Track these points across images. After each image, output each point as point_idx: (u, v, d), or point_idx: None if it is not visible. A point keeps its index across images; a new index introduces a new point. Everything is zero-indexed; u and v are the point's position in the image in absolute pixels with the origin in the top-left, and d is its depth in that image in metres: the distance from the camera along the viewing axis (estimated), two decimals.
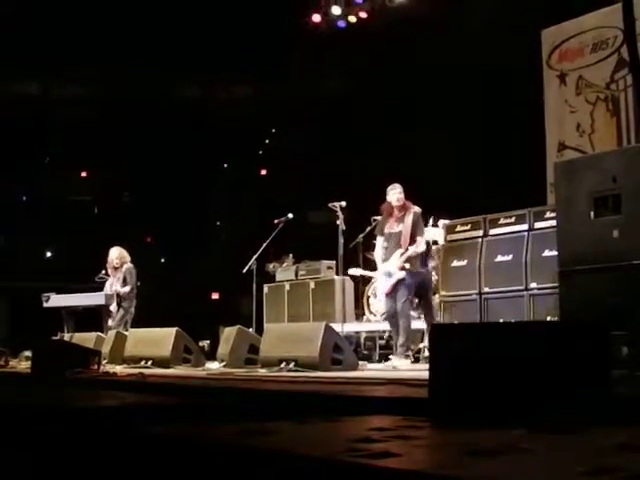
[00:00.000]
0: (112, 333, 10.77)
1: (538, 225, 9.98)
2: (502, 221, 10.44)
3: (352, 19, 14.67)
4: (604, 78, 11.63)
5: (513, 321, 8.96)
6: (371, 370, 8.35)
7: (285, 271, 13.38)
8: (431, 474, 2.13)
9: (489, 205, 10.77)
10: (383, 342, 11.42)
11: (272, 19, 15.05)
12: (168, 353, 9.50)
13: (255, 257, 11.19)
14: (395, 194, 9.01)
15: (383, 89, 14.16)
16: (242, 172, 19.13)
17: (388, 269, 8.92)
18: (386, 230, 9.11)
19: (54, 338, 11.17)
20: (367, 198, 10.25)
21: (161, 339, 9.73)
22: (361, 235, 11.30)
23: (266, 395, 5.15)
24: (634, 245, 5.59)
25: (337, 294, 11.77)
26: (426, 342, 9.17)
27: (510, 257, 10.16)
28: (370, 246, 10.60)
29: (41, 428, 3.72)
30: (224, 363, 9.06)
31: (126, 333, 10.66)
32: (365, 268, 11.25)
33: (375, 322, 11.55)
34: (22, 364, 10.70)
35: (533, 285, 9.85)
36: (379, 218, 9.50)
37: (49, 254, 19.88)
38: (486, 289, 10.32)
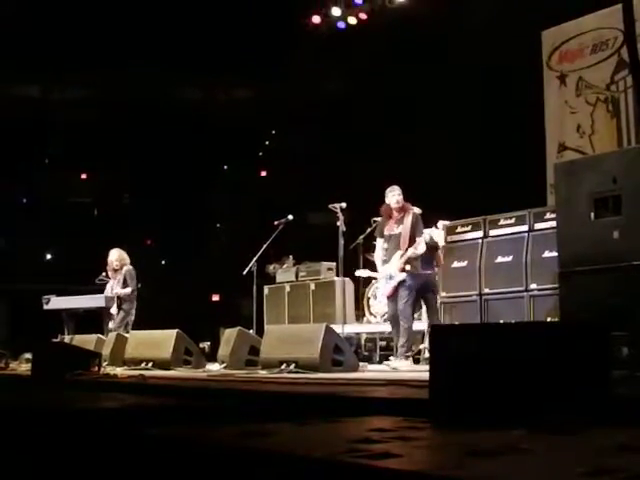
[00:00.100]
0: (112, 335, 10.76)
1: (538, 226, 9.98)
2: (502, 222, 10.45)
3: (352, 20, 14.68)
4: (604, 79, 11.64)
5: (513, 322, 8.97)
6: (371, 371, 8.36)
7: (285, 272, 13.38)
8: (431, 475, 2.13)
9: (489, 206, 10.78)
10: (383, 343, 11.43)
11: (272, 20, 15.04)
12: (169, 355, 9.50)
13: (255, 258, 11.19)
14: (394, 196, 9.01)
15: (383, 90, 14.16)
16: (242, 174, 19.12)
17: (389, 271, 8.92)
18: (386, 232, 9.11)
19: (54, 340, 11.17)
20: (367, 199, 10.24)
21: (162, 341, 9.74)
22: (361, 236, 11.30)
23: (266, 396, 5.15)
24: (634, 246, 5.59)
25: (337, 295, 11.78)
26: (426, 343, 9.17)
27: (510, 258, 10.17)
28: (370, 247, 10.61)
29: (41, 430, 3.72)
30: (225, 365, 9.06)
31: (126, 335, 10.66)
32: (366, 269, 11.27)
33: (375, 323, 11.56)
34: (22, 366, 10.68)
35: (533, 286, 9.85)
36: (379, 219, 9.50)
37: (49, 256, 19.88)
38: (486, 290, 10.33)
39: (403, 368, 8.34)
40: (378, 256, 9.24)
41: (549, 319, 8.94)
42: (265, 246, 11.33)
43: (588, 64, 11.89)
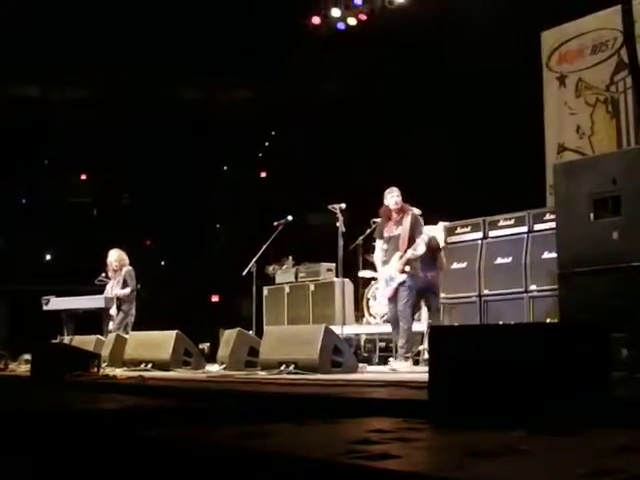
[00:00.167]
0: (112, 336, 10.76)
1: (538, 227, 9.99)
2: (502, 223, 10.46)
3: (352, 21, 14.67)
4: (604, 80, 11.64)
5: (513, 323, 8.97)
6: (371, 372, 8.35)
7: (285, 273, 13.38)
8: (431, 476, 2.13)
9: (489, 207, 10.78)
10: (383, 344, 11.43)
11: (272, 21, 15.04)
12: (168, 356, 9.50)
13: (255, 259, 11.19)
14: (393, 197, 9.01)
15: (382, 91, 14.16)
16: (242, 174, 19.13)
17: (389, 273, 8.91)
18: (385, 233, 9.11)
19: (54, 341, 11.16)
20: (367, 200, 10.24)
21: (161, 342, 9.73)
22: (361, 237, 11.29)
23: (266, 397, 5.15)
24: (634, 247, 5.59)
25: (337, 296, 11.77)
26: (426, 344, 9.16)
27: (510, 259, 10.17)
28: (370, 248, 10.60)
29: (41, 431, 3.72)
30: (224, 366, 9.06)
31: (126, 336, 10.65)
32: (369, 270, 11.28)
33: (375, 324, 11.55)
34: (22, 367, 10.68)
35: (533, 287, 9.85)
36: (379, 220, 9.50)
37: (49, 257, 19.87)
38: (486, 291, 10.33)
39: (403, 369, 8.34)
40: (378, 257, 9.24)
41: (549, 320, 8.94)
42: (265, 247, 11.33)
43: (588, 65, 11.89)
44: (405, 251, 8.80)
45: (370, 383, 6.07)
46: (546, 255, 9.63)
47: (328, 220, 10.71)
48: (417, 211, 9.19)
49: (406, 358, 8.66)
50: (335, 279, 12.04)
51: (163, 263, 20.19)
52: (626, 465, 2.20)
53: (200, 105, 18.65)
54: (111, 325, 11.46)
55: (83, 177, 19.98)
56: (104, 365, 9.18)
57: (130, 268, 11.63)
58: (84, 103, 18.34)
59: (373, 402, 4.40)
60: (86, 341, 10.52)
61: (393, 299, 8.87)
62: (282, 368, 7.85)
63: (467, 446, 2.60)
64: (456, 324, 9.82)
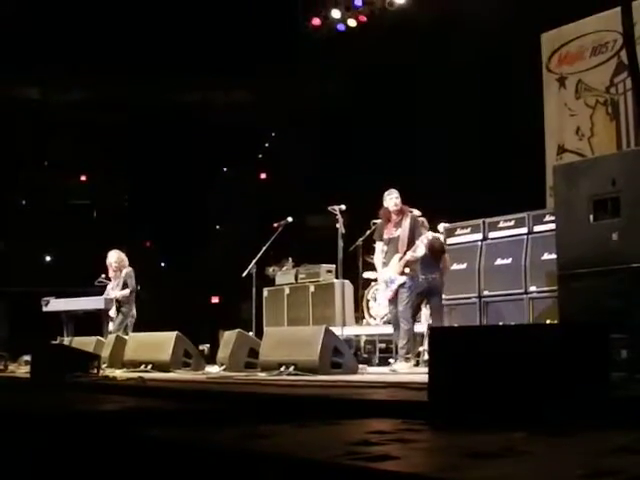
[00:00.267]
0: (112, 337, 10.75)
1: (537, 228, 10.00)
2: (501, 224, 10.47)
3: (352, 23, 14.67)
4: (604, 82, 11.65)
5: (513, 324, 8.97)
6: (371, 374, 8.35)
7: (285, 275, 13.38)
8: (430, 477, 2.13)
9: (488, 208, 10.79)
10: (383, 345, 11.43)
11: (272, 22, 15.05)
12: (168, 357, 9.49)
13: (255, 261, 11.19)
14: (392, 199, 9.00)
15: (382, 93, 14.16)
16: (241, 176, 19.14)
17: (388, 275, 8.91)
18: (385, 235, 9.11)
19: (53, 342, 11.15)
20: (367, 202, 10.24)
21: (161, 343, 9.73)
22: (361, 239, 11.29)
23: (266, 399, 5.15)
24: (633, 248, 5.59)
25: (337, 298, 11.77)
26: (426, 345, 9.16)
27: (510, 260, 10.18)
28: (370, 249, 10.60)
29: (40, 432, 3.72)
30: (224, 367, 9.06)
31: (126, 337, 10.65)
32: (365, 272, 11.28)
33: (375, 325, 11.55)
34: (21, 368, 10.68)
35: (533, 288, 9.87)
36: (378, 222, 9.50)
37: (48, 258, 19.87)
38: (486, 292, 10.34)
39: (402, 370, 8.34)
40: (378, 259, 9.23)
41: (548, 321, 8.94)
42: (265, 248, 11.32)
43: (588, 67, 11.90)
44: (404, 253, 8.79)
45: (370, 384, 6.07)
46: (546, 256, 9.64)
47: (328, 221, 10.71)
48: (417, 212, 9.19)
49: (406, 359, 8.66)
50: (335, 280, 12.03)
51: (163, 264, 20.19)
52: (626, 466, 2.20)
53: (200, 106, 18.65)
54: (111, 326, 11.45)
55: (83, 178, 19.98)
56: (104, 366, 9.17)
57: (130, 269, 11.61)
58: (84, 105, 18.33)
59: (373, 403, 4.40)
60: (86, 342, 10.52)
61: (393, 301, 8.87)
62: (282, 369, 7.84)
63: (467, 447, 2.60)
64: (456, 325, 9.82)
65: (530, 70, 12.18)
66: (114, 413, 4.67)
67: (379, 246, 9.23)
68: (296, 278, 13.08)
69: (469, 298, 10.51)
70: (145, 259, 16.49)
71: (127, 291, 11.40)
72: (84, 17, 15.50)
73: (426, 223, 9.43)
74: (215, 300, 19.29)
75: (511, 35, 11.53)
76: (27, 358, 10.59)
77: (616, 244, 5.73)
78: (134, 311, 11.49)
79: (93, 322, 11.90)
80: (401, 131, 13.53)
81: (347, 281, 11.75)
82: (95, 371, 8.11)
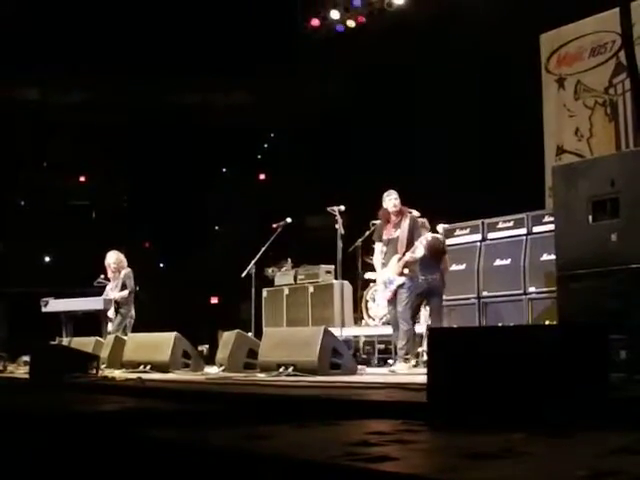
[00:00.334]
0: (111, 338, 10.74)
1: (536, 229, 10.01)
2: (500, 225, 10.47)
3: (351, 24, 14.67)
4: (602, 82, 11.65)
5: (512, 325, 8.97)
6: (370, 374, 8.35)
7: (284, 275, 13.37)
8: (429, 478, 2.13)
9: (487, 209, 10.79)
10: (382, 346, 11.42)
11: (271, 23, 15.05)
12: (167, 358, 9.49)
13: (254, 261, 11.18)
14: (391, 200, 9.00)
15: (382, 93, 14.17)
16: (241, 177, 19.14)
17: (387, 276, 8.91)
18: (384, 236, 9.10)
19: (53, 343, 11.15)
20: (366, 202, 10.24)
21: (160, 344, 9.72)
22: (360, 239, 11.29)
23: (265, 399, 5.14)
24: (632, 249, 5.59)
25: (336, 298, 11.77)
26: (425, 346, 9.15)
27: (509, 261, 10.18)
28: (369, 250, 10.60)
29: (39, 433, 3.72)
30: (223, 368, 9.06)
31: (125, 338, 10.64)
32: (364, 272, 11.27)
33: (374, 326, 11.55)
34: (20, 369, 10.68)
35: (532, 289, 9.87)
36: (378, 222, 9.49)
37: (48, 259, 19.87)
38: (485, 293, 10.35)
39: (402, 371, 8.34)
40: (377, 260, 9.22)
41: (547, 322, 8.94)
42: (264, 249, 11.32)
43: (586, 67, 11.91)
44: (404, 254, 8.79)
45: (369, 385, 6.06)
46: (545, 257, 9.64)
47: (327, 222, 10.71)
48: (416, 213, 9.18)
49: (406, 360, 8.65)
50: (334, 281, 12.03)
51: (162, 265, 20.19)
52: (626, 466, 2.20)
53: (199, 107, 18.65)
54: (110, 327, 11.44)
55: (82, 179, 19.99)
56: (103, 367, 9.17)
57: (129, 270, 11.59)
58: (83, 105, 18.33)
59: (372, 404, 4.40)
60: (85, 343, 10.52)
61: (392, 301, 8.87)
62: (281, 370, 7.84)
63: (466, 448, 2.60)
64: (455, 326, 9.81)
65: (529, 71, 12.18)
66: (113, 414, 4.66)
67: (378, 247, 9.23)
68: (295, 279, 13.08)
69: (468, 299, 10.51)
70: (144, 260, 16.49)
71: (126, 292, 11.39)
72: (83, 18, 15.50)
73: (427, 224, 9.42)
74: (214, 301, 19.29)
75: (510, 36, 11.53)
76: (26, 358, 10.59)
77: (615, 245, 5.73)
78: (133, 312, 11.48)
79: (92, 323, 11.90)
80: (400, 132, 13.54)
81: (346, 282, 11.74)
82: (94, 372, 8.11)
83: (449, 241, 10.62)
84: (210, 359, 11.30)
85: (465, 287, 10.46)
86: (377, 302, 9.70)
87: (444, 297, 10.03)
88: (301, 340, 8.18)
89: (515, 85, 11.83)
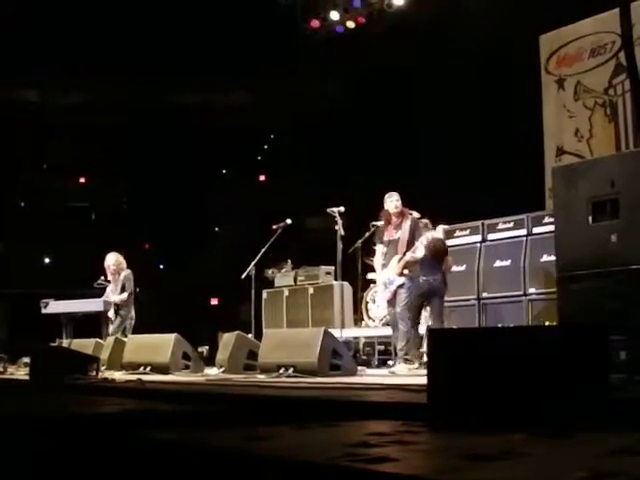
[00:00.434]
0: (111, 339, 10.74)
1: (536, 230, 10.01)
2: (500, 226, 10.47)
3: (350, 25, 14.66)
4: (602, 83, 11.65)
5: (512, 326, 8.97)
6: (370, 375, 8.35)
7: (284, 277, 13.38)
8: (429, 479, 2.13)
9: (487, 210, 10.79)
10: (382, 347, 11.42)
11: (271, 24, 15.05)
12: (167, 359, 9.48)
13: (254, 263, 11.18)
14: (392, 202, 9.00)
15: (382, 94, 14.17)
16: (241, 178, 19.15)
17: (387, 276, 8.91)
18: (385, 237, 9.11)
19: (52, 344, 11.15)
20: (366, 203, 10.24)
21: (160, 345, 9.72)
22: (360, 240, 11.29)
23: (265, 401, 5.14)
24: (632, 250, 5.59)
25: (336, 299, 11.76)
26: (425, 347, 9.14)
27: (509, 262, 10.19)
28: (369, 251, 10.60)
29: (40, 435, 3.71)
30: (223, 369, 9.05)
31: (125, 339, 10.64)
32: (364, 274, 11.26)
33: (374, 328, 11.55)
34: (20, 370, 10.68)
35: (532, 290, 9.87)
36: (378, 223, 9.49)
37: (48, 260, 19.87)
38: (485, 294, 10.35)
39: (401, 372, 8.33)
40: (378, 262, 9.21)
41: (547, 323, 8.94)
42: (263, 250, 11.32)
43: (586, 68, 11.91)
44: (404, 254, 8.79)
45: (369, 386, 6.06)
46: (545, 258, 9.64)
47: (327, 223, 10.71)
48: (416, 214, 9.18)
49: (406, 361, 8.64)
50: (334, 282, 12.03)
51: (162, 266, 20.19)
52: (626, 467, 2.20)
53: (199, 109, 18.66)
54: (111, 328, 11.43)
55: (82, 181, 19.99)
56: (103, 368, 9.16)
57: (128, 272, 11.57)
58: (83, 107, 18.33)
59: (372, 405, 4.40)
60: (85, 344, 10.51)
61: (392, 302, 8.87)
62: (281, 371, 7.84)
63: (466, 449, 2.60)
64: (455, 327, 9.81)
65: (529, 72, 12.18)
66: (113, 415, 4.66)
67: (379, 248, 9.22)
68: (295, 280, 13.08)
69: (468, 300, 10.51)
70: (144, 261, 16.49)
71: (125, 295, 11.37)
72: (83, 19, 15.49)
73: (430, 225, 9.41)
74: (214, 302, 19.30)
75: (510, 37, 11.54)
76: (26, 360, 10.60)
77: (615, 246, 5.72)
78: (133, 313, 11.47)
79: (92, 324, 11.89)
80: (400, 133, 13.54)
81: (346, 283, 11.74)
82: (94, 373, 8.10)
83: (449, 242, 10.60)
84: (210, 360, 11.30)
85: (465, 288, 10.46)
86: (377, 303, 9.70)
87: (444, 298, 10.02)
88: (301, 341, 8.18)
89: (515, 86, 11.83)
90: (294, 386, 6.36)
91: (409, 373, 8.22)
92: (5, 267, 17.11)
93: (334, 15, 14.72)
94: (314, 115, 15.91)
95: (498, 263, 10.33)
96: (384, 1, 13.84)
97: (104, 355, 10.14)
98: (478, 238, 10.68)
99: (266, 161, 19.48)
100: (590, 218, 5.94)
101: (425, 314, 9.82)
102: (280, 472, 2.46)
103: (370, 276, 10.88)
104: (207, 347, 14.69)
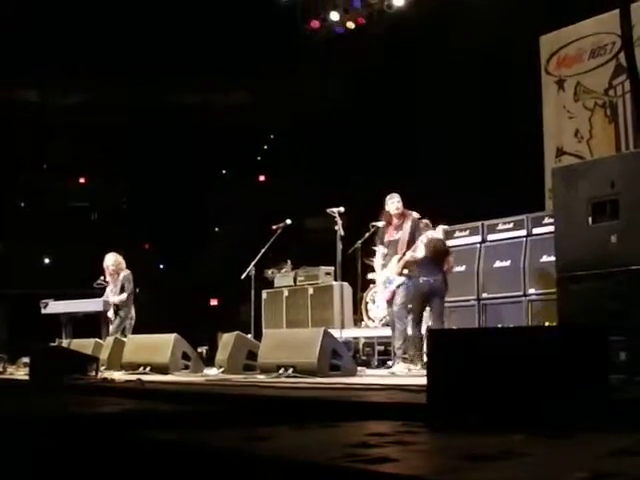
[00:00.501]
0: (110, 339, 10.74)
1: (536, 231, 10.00)
2: (500, 227, 10.47)
3: (350, 25, 14.66)
4: (602, 84, 11.65)
5: (511, 326, 8.97)
6: (369, 376, 8.34)
7: (283, 277, 13.37)
8: (429, 479, 2.13)
9: (487, 211, 10.79)
10: (382, 348, 11.41)
11: (271, 25, 15.05)
12: (167, 359, 9.48)
13: (254, 263, 11.18)
14: (394, 203, 9.01)
15: (382, 95, 14.16)
16: (240, 178, 19.15)
17: (387, 275, 8.91)
18: (386, 238, 9.11)
19: (52, 344, 11.15)
20: (366, 204, 10.23)
21: (160, 345, 9.72)
22: (359, 241, 11.29)
23: (264, 401, 5.14)
24: (632, 250, 5.58)
25: (335, 300, 11.76)
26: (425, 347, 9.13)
27: (508, 263, 10.18)
28: (369, 252, 10.59)
29: (39, 435, 3.71)
30: (222, 369, 9.05)
31: (124, 339, 10.63)
32: (364, 274, 11.26)
33: (373, 328, 11.55)
34: (20, 370, 10.68)
35: (531, 291, 9.87)
36: (377, 224, 9.49)
37: (47, 260, 19.87)
38: (484, 295, 10.34)
39: (400, 372, 8.34)
40: (378, 263, 9.21)
41: (547, 324, 8.94)
42: (263, 250, 11.32)
43: (586, 69, 11.90)
44: (404, 254, 8.79)
45: (369, 386, 6.06)
46: (545, 259, 9.64)
47: (327, 224, 10.71)
48: (416, 215, 9.18)
49: (404, 359, 8.65)
50: (334, 283, 12.02)
51: (162, 266, 20.19)
52: (625, 468, 2.20)
53: (199, 108, 18.66)
54: (111, 328, 11.42)
55: (82, 181, 19.99)
56: (102, 368, 9.16)
57: (128, 272, 11.54)
58: (82, 107, 18.33)
59: (372, 405, 4.40)
60: (84, 344, 10.51)
61: (391, 302, 8.87)
62: (281, 371, 7.84)
63: (466, 449, 2.60)
64: (455, 327, 9.80)
65: (529, 72, 12.18)
66: (113, 415, 4.66)
67: (380, 249, 9.22)
68: (295, 280, 13.08)
69: (468, 300, 10.50)
70: (144, 261, 16.49)
71: (124, 295, 11.35)
72: (82, 19, 15.49)
73: (430, 226, 9.40)
74: (214, 302, 19.29)
75: (510, 37, 11.54)
76: (26, 360, 10.59)
77: (615, 246, 5.72)
78: (133, 313, 11.46)
79: (92, 324, 11.89)
80: (400, 133, 13.53)
81: (346, 283, 11.74)
82: (93, 373, 8.10)
83: (449, 243, 10.60)
84: (210, 361, 11.30)
85: (465, 289, 10.45)
86: (377, 304, 9.70)
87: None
88: (301, 342, 8.18)
89: (515, 87, 11.82)
90: (294, 386, 6.36)
91: (409, 373, 8.23)
92: (5, 267, 17.11)
93: (334, 16, 14.72)
94: (314, 115, 15.91)
95: (498, 264, 10.33)
96: (384, 2, 13.84)
97: (104, 355, 10.14)
98: (478, 239, 10.67)
99: (266, 161, 19.48)
100: (590, 219, 5.94)
101: (425, 314, 9.82)
102: (280, 472, 2.45)
103: (371, 276, 10.88)
104: (207, 347, 14.68)
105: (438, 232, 9.23)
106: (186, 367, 9.64)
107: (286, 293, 13.11)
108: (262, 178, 19.65)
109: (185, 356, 9.74)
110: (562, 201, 6.25)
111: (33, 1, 15.37)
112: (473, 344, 3.62)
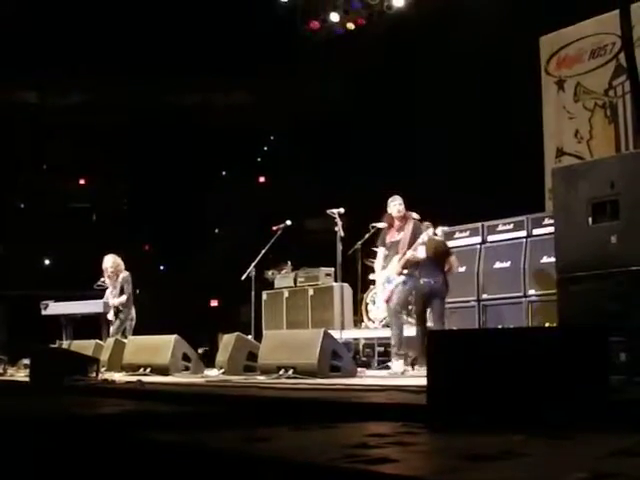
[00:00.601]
0: (111, 340, 10.74)
1: (536, 232, 10.00)
2: (500, 228, 10.47)
3: (350, 26, 14.66)
4: (602, 85, 11.65)
5: (511, 327, 8.97)
6: (369, 377, 8.34)
7: (284, 278, 13.37)
8: None
9: (487, 211, 10.79)
10: (382, 349, 11.41)
11: (271, 25, 15.06)
12: (167, 360, 9.48)
13: (254, 264, 11.18)
14: (395, 205, 9.01)
15: (381, 96, 14.17)
16: (240, 179, 19.15)
17: (386, 275, 8.91)
18: (387, 240, 9.12)
19: (52, 346, 11.14)
20: (366, 205, 10.23)
21: (160, 346, 9.72)
22: (359, 242, 11.29)
23: (265, 402, 5.14)
24: (632, 251, 5.58)
25: (336, 301, 11.76)
26: None
27: (508, 264, 10.18)
28: (369, 253, 10.59)
29: (40, 436, 3.71)
30: (223, 370, 9.05)
31: (125, 340, 10.63)
32: (364, 275, 11.25)
33: (374, 329, 11.54)
34: (20, 372, 10.68)
35: (531, 291, 9.87)
36: (378, 225, 9.49)
37: (47, 261, 19.87)
38: (484, 295, 10.34)
39: (398, 369, 8.37)
40: (379, 264, 9.22)
41: (547, 325, 8.94)
42: (263, 252, 11.32)
43: (586, 69, 11.90)
44: (404, 254, 8.79)
45: (369, 387, 6.06)
46: (545, 259, 9.64)
47: (327, 225, 10.70)
48: (416, 216, 9.18)
49: (399, 356, 8.66)
50: (334, 284, 12.02)
51: (162, 268, 20.19)
52: (625, 469, 2.20)
53: (199, 109, 18.66)
54: (111, 329, 11.42)
55: (82, 182, 19.99)
56: (103, 370, 9.15)
57: (127, 274, 11.50)
58: (82, 107, 18.33)
59: (372, 406, 4.40)
60: (85, 346, 10.51)
61: (389, 301, 8.87)
62: (281, 372, 7.84)
63: (466, 450, 2.60)
64: (455, 328, 9.80)
65: (529, 73, 12.18)
66: (113, 416, 4.66)
67: (381, 251, 9.22)
68: (295, 281, 13.07)
69: (468, 301, 10.50)
70: (144, 262, 16.49)
71: (124, 297, 11.32)
72: (82, 19, 15.49)
73: (432, 227, 9.41)
74: (214, 303, 19.29)
75: (510, 38, 11.53)
76: (26, 362, 10.59)
77: (615, 247, 5.72)
78: (133, 314, 11.44)
79: (92, 326, 11.88)
80: (400, 134, 13.53)
81: (346, 284, 11.74)
82: (94, 375, 8.10)
83: (449, 243, 10.61)
84: (210, 362, 11.30)
85: (465, 289, 10.45)
86: (377, 305, 9.69)
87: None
88: (301, 343, 8.18)
89: (515, 87, 11.82)
90: (294, 387, 6.36)
91: (409, 374, 8.23)
92: (5, 269, 17.12)
93: (334, 16, 14.72)
94: (314, 116, 15.90)
95: (498, 264, 10.33)
96: (384, 2, 13.85)
97: (104, 356, 10.14)
98: (478, 239, 10.67)
99: (266, 162, 19.48)
100: (590, 219, 5.94)
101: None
102: (280, 473, 2.46)
103: (372, 276, 10.88)
104: (207, 348, 14.67)
105: (438, 233, 9.23)
106: (186, 368, 9.65)
107: (286, 294, 13.11)
108: (262, 179, 19.65)
109: (185, 357, 9.74)
110: (562, 202, 6.25)
111: (33, 2, 15.37)
112: (473, 345, 3.62)
